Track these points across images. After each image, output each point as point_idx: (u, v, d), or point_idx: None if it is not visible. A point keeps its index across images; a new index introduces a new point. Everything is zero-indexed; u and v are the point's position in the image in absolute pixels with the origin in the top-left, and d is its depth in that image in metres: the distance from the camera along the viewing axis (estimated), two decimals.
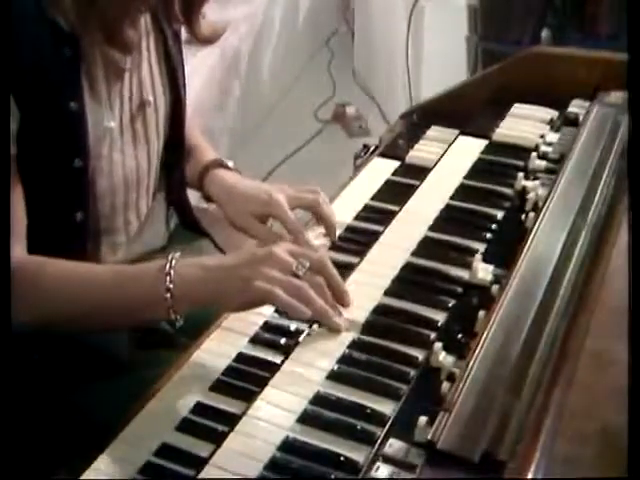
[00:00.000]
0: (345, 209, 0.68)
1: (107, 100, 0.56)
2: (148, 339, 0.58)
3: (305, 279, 0.49)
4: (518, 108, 0.81)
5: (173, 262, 0.49)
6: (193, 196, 0.69)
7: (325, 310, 0.50)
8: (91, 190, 0.56)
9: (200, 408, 0.47)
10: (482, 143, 0.77)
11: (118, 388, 0.51)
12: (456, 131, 0.79)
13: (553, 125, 0.78)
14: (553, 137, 0.76)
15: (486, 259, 0.58)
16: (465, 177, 0.72)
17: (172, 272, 0.49)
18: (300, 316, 0.49)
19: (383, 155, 0.77)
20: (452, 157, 0.76)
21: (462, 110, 0.80)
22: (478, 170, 0.73)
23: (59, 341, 0.54)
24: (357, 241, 0.64)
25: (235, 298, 0.49)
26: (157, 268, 0.49)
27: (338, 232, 0.64)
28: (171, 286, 0.48)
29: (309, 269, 0.50)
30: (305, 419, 0.45)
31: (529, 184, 0.68)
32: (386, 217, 0.67)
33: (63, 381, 0.54)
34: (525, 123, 0.79)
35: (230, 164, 0.66)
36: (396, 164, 0.75)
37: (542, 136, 0.76)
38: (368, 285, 0.56)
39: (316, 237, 0.62)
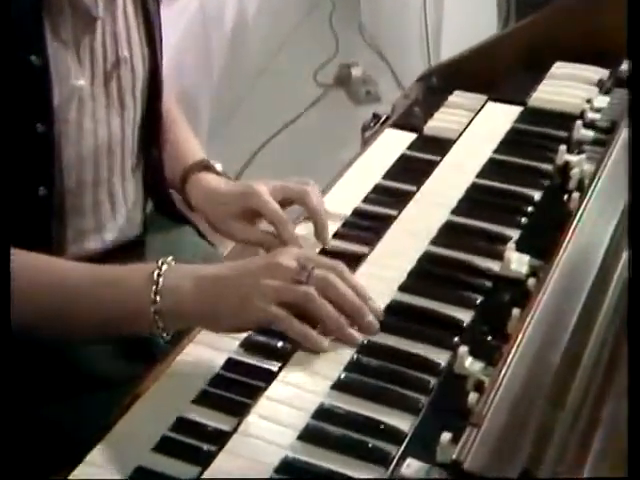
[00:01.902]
0: (352, 190, 0.69)
1: (75, 54, 0.56)
2: (134, 351, 0.59)
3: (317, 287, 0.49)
4: (559, 67, 0.81)
5: (163, 268, 0.49)
6: None
7: (341, 325, 0.50)
8: (56, 161, 0.56)
9: (182, 424, 0.47)
10: (515, 110, 0.77)
11: (97, 403, 0.52)
12: (484, 96, 0.79)
13: (602, 87, 0.78)
14: (602, 101, 0.76)
15: (521, 248, 0.59)
16: (495, 151, 0.72)
17: (161, 280, 0.49)
18: (315, 348, 0.49)
19: (396, 126, 0.77)
20: (479, 127, 0.76)
21: (491, 71, 0.81)
22: (511, 142, 0.73)
23: (28, 349, 0.53)
24: (366, 227, 0.64)
25: (229, 319, 0.49)
26: (142, 274, 0.49)
27: (343, 218, 0.65)
28: (158, 299, 0.48)
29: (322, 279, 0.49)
30: (307, 436, 0.46)
31: (573, 158, 0.68)
32: (400, 199, 0.67)
33: (34, 394, 0.55)
34: (568, 85, 0.79)
35: (218, 167, 0.67)
36: (412, 136, 0.76)
37: (589, 100, 0.76)
38: (380, 279, 0.57)
39: (307, 234, 0.62)
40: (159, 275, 0.49)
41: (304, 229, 0.63)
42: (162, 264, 0.49)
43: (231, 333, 0.52)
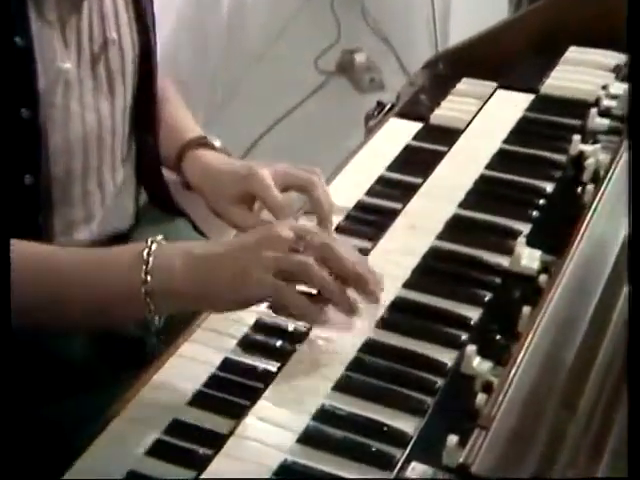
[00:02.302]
0: (354, 182, 0.69)
1: (61, 35, 0.56)
2: (126, 351, 0.59)
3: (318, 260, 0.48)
4: (574, 52, 0.81)
5: (153, 247, 0.48)
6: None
7: (341, 292, 0.48)
8: (43, 148, 0.56)
9: (176, 427, 0.47)
10: (527, 98, 0.77)
11: (88, 405, 0.51)
12: (493, 83, 0.79)
13: (619, 73, 0.78)
14: (618, 88, 0.75)
15: (532, 243, 0.59)
16: (505, 141, 0.72)
17: (151, 260, 0.48)
18: (315, 320, 0.49)
19: (402, 115, 0.77)
20: (488, 116, 0.76)
21: (501, 57, 0.80)
22: (522, 132, 0.73)
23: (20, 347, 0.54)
24: (369, 221, 0.64)
25: (228, 295, 0.48)
26: (132, 254, 0.49)
27: (345, 211, 0.65)
28: (148, 278, 0.48)
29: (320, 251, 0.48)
30: (307, 439, 0.46)
31: (587, 148, 0.68)
32: (405, 192, 0.67)
33: (26, 394, 0.55)
34: (583, 71, 0.79)
35: (217, 143, 0.66)
36: (418, 126, 0.75)
37: (605, 87, 0.76)
38: (384, 276, 0.56)
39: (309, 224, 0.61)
40: (149, 254, 0.48)
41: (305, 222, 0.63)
42: (152, 243, 0.48)
43: (231, 311, 0.51)
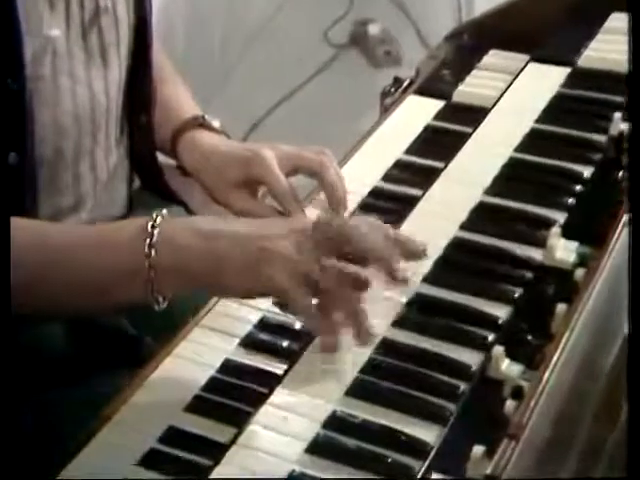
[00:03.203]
0: (369, 166, 0.69)
1: (47, 0, 0.56)
2: (119, 350, 0.59)
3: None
4: (616, 20, 0.81)
5: (158, 220, 0.49)
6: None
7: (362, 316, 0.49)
8: (29, 124, 0.56)
9: (173, 435, 0.48)
10: (562, 72, 0.77)
11: (77, 409, 0.52)
12: (525, 56, 0.79)
13: None
14: None
15: (567, 234, 0.59)
16: (538, 120, 0.72)
17: (155, 233, 0.48)
18: (325, 342, 0.49)
19: (421, 92, 0.77)
20: (519, 92, 0.76)
21: (534, 26, 0.80)
22: (556, 110, 0.73)
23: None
24: (386, 210, 0.64)
25: (235, 280, 0.49)
26: (134, 227, 0.49)
27: (360, 198, 0.65)
28: (153, 252, 0.48)
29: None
30: (317, 448, 0.47)
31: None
32: (425, 177, 0.67)
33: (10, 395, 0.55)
34: (625, 41, 0.79)
35: (215, 124, 0.66)
36: (439, 104, 0.76)
37: None
38: (402, 269, 0.57)
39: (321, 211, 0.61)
40: (153, 226, 0.49)
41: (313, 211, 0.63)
42: (157, 216, 0.49)
43: (238, 298, 0.52)
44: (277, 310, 0.54)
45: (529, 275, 0.57)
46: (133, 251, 0.48)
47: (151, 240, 0.48)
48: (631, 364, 0.43)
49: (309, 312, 0.49)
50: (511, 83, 0.76)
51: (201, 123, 0.65)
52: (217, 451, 0.46)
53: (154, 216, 0.49)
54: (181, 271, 0.49)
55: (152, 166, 0.68)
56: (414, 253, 0.51)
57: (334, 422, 0.48)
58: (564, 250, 0.57)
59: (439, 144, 0.71)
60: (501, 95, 0.75)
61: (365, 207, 0.65)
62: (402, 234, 0.52)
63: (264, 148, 0.61)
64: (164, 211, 0.50)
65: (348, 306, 0.49)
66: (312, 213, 0.62)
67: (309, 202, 0.63)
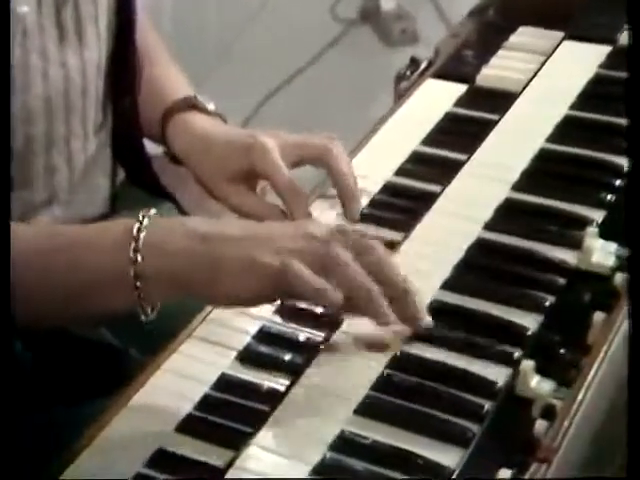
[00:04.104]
0: (381, 159, 0.69)
1: None
2: (103, 364, 0.59)
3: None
4: None
5: (145, 221, 0.49)
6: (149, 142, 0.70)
7: (374, 295, 0.49)
8: None
9: (162, 458, 0.48)
10: (601, 51, 0.77)
11: (56, 429, 0.53)
12: (559, 33, 0.79)
13: None
14: None
15: (605, 234, 0.59)
16: (572, 106, 0.73)
17: (142, 236, 0.49)
18: (329, 301, 0.48)
19: (441, 75, 0.77)
20: (551, 75, 0.76)
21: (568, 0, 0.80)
22: (594, 95, 0.73)
23: None
24: (400, 207, 0.65)
25: (231, 282, 0.49)
26: (118, 230, 0.50)
27: (370, 195, 0.65)
28: (139, 257, 0.49)
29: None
30: (323, 472, 0.47)
31: None
32: (445, 171, 0.67)
33: None
34: None
35: (211, 107, 0.66)
36: (461, 88, 0.76)
37: None
38: (417, 274, 0.57)
39: (329, 208, 0.62)
40: (139, 230, 0.49)
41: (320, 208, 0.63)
42: (143, 217, 0.49)
43: (232, 306, 0.52)
44: (278, 319, 0.55)
45: (562, 281, 0.57)
46: (117, 257, 0.49)
47: (137, 244, 0.48)
48: (631, 363, 0.43)
49: (312, 283, 0.47)
50: (542, 64, 0.77)
51: (193, 104, 0.65)
52: (212, 476, 0.47)
53: (140, 217, 0.49)
54: (171, 278, 0.49)
55: (138, 156, 0.69)
56: (410, 318, 0.51)
57: (342, 443, 0.48)
58: (602, 252, 0.58)
59: (460, 134, 0.71)
60: (531, 78, 0.75)
61: (376, 205, 0.65)
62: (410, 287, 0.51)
63: (264, 136, 0.61)
64: (152, 211, 0.50)
65: (362, 288, 0.48)
66: (318, 209, 0.62)
67: (316, 196, 0.64)
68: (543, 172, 0.67)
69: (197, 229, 0.49)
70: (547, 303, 0.56)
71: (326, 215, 0.63)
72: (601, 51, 0.77)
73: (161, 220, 0.50)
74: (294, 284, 0.48)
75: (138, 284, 0.49)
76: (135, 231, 0.49)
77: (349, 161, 0.62)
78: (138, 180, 0.70)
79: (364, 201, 0.65)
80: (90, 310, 0.52)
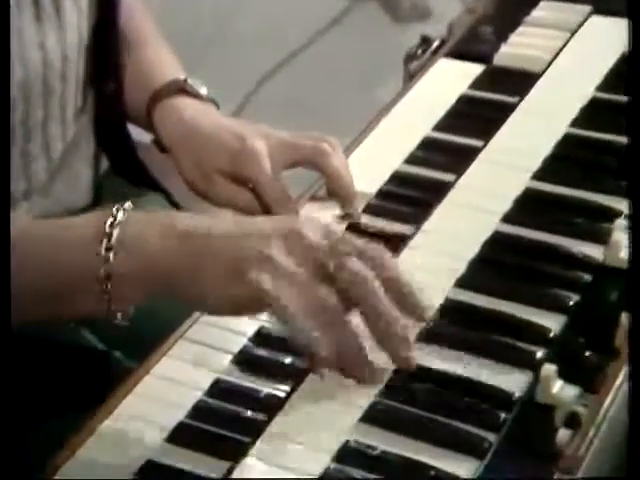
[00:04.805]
0: (390, 146, 0.70)
1: None
2: (85, 369, 0.59)
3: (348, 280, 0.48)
4: None
5: (119, 216, 0.49)
6: (135, 128, 0.70)
7: (361, 357, 0.49)
8: None
9: (152, 471, 0.49)
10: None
11: (37, 439, 0.52)
12: (585, 7, 0.79)
13: None
14: None
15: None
16: (600, 88, 0.73)
17: (115, 232, 0.48)
18: (314, 349, 0.49)
19: (455, 54, 0.78)
20: (577, 53, 0.76)
21: None
22: (623, 75, 0.73)
23: None
24: (410, 198, 0.65)
25: (211, 290, 0.49)
26: (89, 225, 0.50)
27: (378, 184, 0.66)
28: (111, 257, 0.48)
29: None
30: None
31: None
32: (459, 158, 0.68)
33: None
34: None
35: (203, 91, 0.66)
36: (478, 68, 0.76)
37: None
38: (428, 271, 0.58)
39: (322, 210, 0.62)
40: (112, 225, 0.48)
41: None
42: (117, 211, 0.49)
43: (218, 314, 0.52)
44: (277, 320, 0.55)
45: (587, 277, 0.57)
46: (87, 256, 0.48)
47: (109, 241, 0.48)
48: (631, 363, 0.44)
49: (300, 326, 0.48)
50: (567, 42, 0.77)
51: (183, 88, 0.66)
52: None
53: (114, 211, 0.49)
54: (147, 280, 0.49)
55: (122, 143, 0.69)
56: (414, 311, 0.50)
57: (347, 454, 0.48)
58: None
59: (476, 118, 0.71)
60: (555, 57, 0.75)
61: (384, 196, 0.66)
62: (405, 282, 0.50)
63: (255, 137, 0.61)
64: (127, 204, 0.50)
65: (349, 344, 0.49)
66: (310, 212, 0.62)
67: (307, 199, 0.64)
68: (567, 159, 0.67)
69: (178, 225, 0.49)
70: (571, 302, 0.56)
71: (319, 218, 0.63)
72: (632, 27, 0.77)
73: (138, 214, 0.50)
74: (282, 318, 0.48)
75: (108, 286, 0.48)
76: (108, 226, 0.48)
77: (345, 162, 0.62)
78: (122, 169, 0.70)
79: (373, 191, 0.65)
80: (62, 313, 0.52)
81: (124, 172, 0.71)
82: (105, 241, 0.48)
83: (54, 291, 0.50)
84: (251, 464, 0.48)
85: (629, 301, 0.48)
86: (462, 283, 0.58)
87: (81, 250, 0.49)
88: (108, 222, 0.49)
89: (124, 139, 0.69)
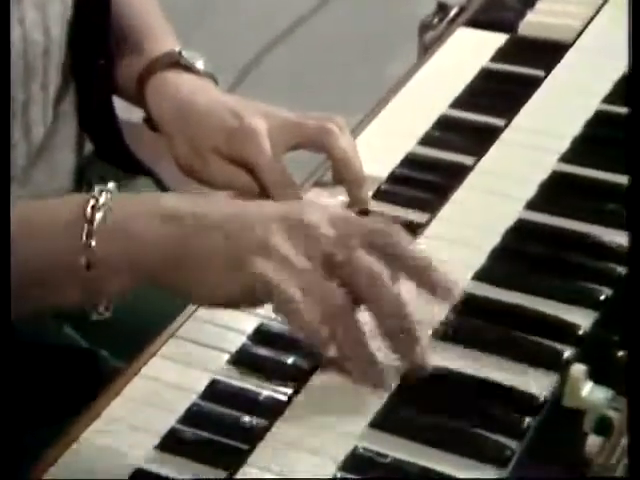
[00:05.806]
0: (404, 125, 0.70)
1: None
2: (72, 370, 0.60)
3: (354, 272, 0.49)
4: None
5: (102, 198, 0.49)
6: (123, 106, 0.71)
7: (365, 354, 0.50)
8: None
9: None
10: None
11: (23, 444, 0.53)
12: None
13: None
14: None
15: None
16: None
17: (97, 216, 0.49)
18: (319, 348, 0.49)
19: (475, 23, 0.78)
20: (611, 23, 0.76)
21: None
22: None
23: None
24: (425, 183, 0.66)
25: (207, 282, 0.49)
26: (69, 209, 0.49)
27: (390, 167, 0.67)
28: (92, 243, 0.48)
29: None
30: None
31: None
32: (480, 139, 0.68)
33: None
34: None
35: (199, 65, 0.67)
36: (500, 39, 0.77)
37: None
38: (447, 262, 0.57)
39: (327, 196, 0.63)
40: (94, 207, 0.48)
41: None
42: (100, 192, 0.49)
43: (212, 307, 0.52)
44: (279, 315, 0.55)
45: (619, 270, 0.58)
46: (67, 242, 0.48)
47: (91, 226, 0.48)
48: (631, 362, 0.45)
49: (303, 321, 0.48)
50: (599, 9, 0.77)
51: (177, 61, 0.66)
52: None
53: (96, 193, 0.49)
54: (132, 267, 0.49)
55: (107, 125, 0.69)
56: (438, 288, 0.51)
57: (355, 462, 0.49)
58: None
59: (499, 94, 0.72)
60: (586, 25, 0.76)
61: (397, 180, 0.66)
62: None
63: (254, 116, 0.62)
64: (110, 184, 0.50)
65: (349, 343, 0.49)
66: (315, 198, 0.63)
67: (311, 184, 0.64)
68: (599, 140, 0.68)
69: (167, 207, 0.49)
70: (602, 297, 0.57)
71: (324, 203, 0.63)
72: None
73: (123, 196, 0.50)
74: (284, 312, 0.49)
75: (90, 275, 0.48)
76: (89, 210, 0.48)
77: (353, 143, 0.63)
78: (107, 153, 0.71)
79: (384, 175, 0.66)
80: (43, 305, 0.52)
81: (109, 156, 0.71)
82: (86, 226, 0.48)
83: (31, 281, 0.50)
84: (250, 473, 0.49)
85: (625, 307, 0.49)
86: (481, 276, 0.58)
87: (59, 236, 0.49)
88: (89, 205, 0.49)
89: (110, 120, 0.69)
